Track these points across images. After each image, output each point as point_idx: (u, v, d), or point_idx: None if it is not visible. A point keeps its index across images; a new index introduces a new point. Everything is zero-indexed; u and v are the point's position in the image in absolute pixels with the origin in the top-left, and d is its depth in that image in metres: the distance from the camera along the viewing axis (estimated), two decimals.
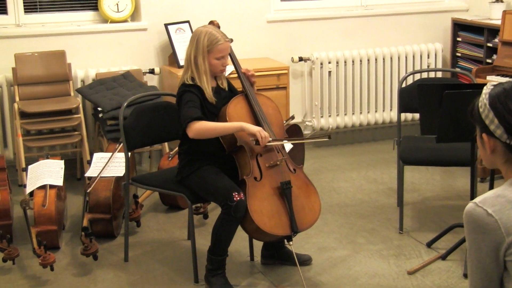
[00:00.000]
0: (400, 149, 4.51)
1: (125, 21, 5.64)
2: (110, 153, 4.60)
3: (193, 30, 4.15)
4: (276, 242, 3.96)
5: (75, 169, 5.49)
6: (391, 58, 6.25)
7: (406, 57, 6.29)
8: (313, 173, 5.50)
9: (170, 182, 3.91)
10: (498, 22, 5.75)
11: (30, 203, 4.26)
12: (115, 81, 5.31)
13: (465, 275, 3.85)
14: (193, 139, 3.71)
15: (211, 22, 4.00)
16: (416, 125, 5.96)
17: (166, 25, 5.58)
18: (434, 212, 4.80)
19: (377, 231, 4.50)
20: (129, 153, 4.08)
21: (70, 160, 5.37)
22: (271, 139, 3.71)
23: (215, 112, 3.77)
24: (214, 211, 4.64)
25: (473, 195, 4.11)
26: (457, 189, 5.21)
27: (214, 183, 3.68)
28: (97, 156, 4.63)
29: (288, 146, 4.14)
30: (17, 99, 5.19)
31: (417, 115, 5.84)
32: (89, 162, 4.66)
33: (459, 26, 6.26)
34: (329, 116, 6.18)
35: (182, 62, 5.31)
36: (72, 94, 5.35)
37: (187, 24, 5.66)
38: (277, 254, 4.04)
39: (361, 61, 6.17)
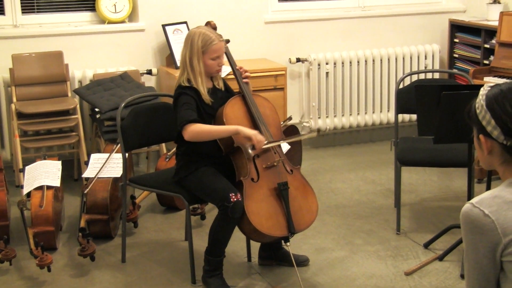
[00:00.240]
0: (398, 150, 4.51)
1: (122, 22, 5.64)
2: (108, 154, 4.60)
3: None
4: (273, 243, 3.96)
5: (72, 170, 5.49)
6: (388, 59, 6.25)
7: (403, 58, 6.29)
8: (310, 174, 5.50)
9: (167, 183, 3.91)
10: (495, 23, 5.75)
11: (27, 204, 4.25)
12: (113, 82, 5.31)
13: (462, 276, 3.85)
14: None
15: (208, 23, 4.00)
16: (414, 126, 5.96)
17: (163, 26, 5.58)
18: (432, 213, 4.80)
19: (374, 232, 4.50)
20: (127, 154, 4.08)
21: (67, 160, 5.37)
22: (266, 142, 3.70)
23: (211, 113, 3.77)
24: (212, 212, 4.64)
25: (470, 196, 4.11)
26: (454, 190, 5.21)
27: (212, 184, 3.68)
28: (94, 157, 4.63)
29: (285, 147, 4.14)
30: (14, 99, 5.19)
31: (414, 116, 5.86)
32: (87, 163, 4.66)
33: (456, 27, 6.27)
34: (327, 117, 6.18)
35: (179, 63, 5.31)
36: (69, 94, 5.34)
37: (185, 25, 5.66)
38: (274, 255, 4.04)
39: (358, 62, 6.17)
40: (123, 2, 5.59)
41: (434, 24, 6.47)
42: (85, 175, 4.56)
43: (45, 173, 4.36)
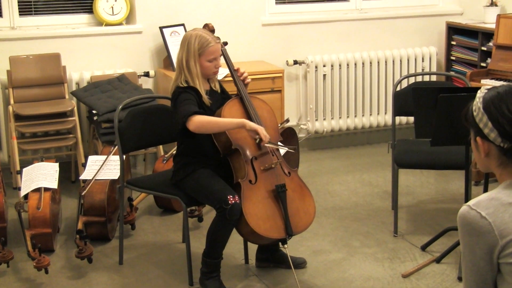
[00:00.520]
0: (395, 152, 4.51)
1: (120, 24, 5.64)
2: (105, 156, 4.60)
3: None
4: (271, 245, 3.97)
5: (69, 172, 5.48)
6: (385, 62, 6.26)
7: (400, 61, 6.30)
8: (308, 176, 5.50)
9: (165, 185, 3.91)
10: (493, 26, 5.76)
11: (25, 206, 4.25)
12: (110, 84, 5.31)
13: (460, 278, 3.85)
14: (189, 141, 3.71)
15: (206, 25, 4.01)
16: (411, 128, 5.97)
17: (161, 28, 5.58)
18: (429, 215, 4.80)
19: (371, 234, 4.51)
20: (124, 156, 4.08)
21: (64, 162, 5.36)
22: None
23: (210, 115, 3.77)
24: (209, 214, 4.64)
25: (467, 198, 4.12)
26: (452, 192, 5.22)
27: (209, 186, 3.68)
28: (91, 159, 4.63)
29: (282, 149, 4.14)
30: (11, 101, 5.19)
31: (411, 119, 5.89)
32: (84, 165, 4.66)
33: (453, 30, 6.28)
34: (324, 119, 6.19)
35: (175, 65, 5.31)
36: (66, 96, 5.34)
37: (182, 27, 5.66)
38: (271, 257, 4.04)
39: (355, 64, 6.18)
40: (120, 4, 5.59)
41: (431, 27, 6.48)
42: (82, 177, 4.56)
43: (42, 175, 4.36)
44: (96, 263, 4.10)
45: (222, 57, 3.90)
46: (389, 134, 5.57)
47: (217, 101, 3.84)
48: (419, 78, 6.10)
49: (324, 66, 6.08)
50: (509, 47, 5.57)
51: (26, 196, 4.29)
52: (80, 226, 4.24)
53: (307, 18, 6.15)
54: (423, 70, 6.36)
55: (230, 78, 4.04)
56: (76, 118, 5.19)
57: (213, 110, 3.78)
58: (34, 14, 5.56)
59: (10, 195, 4.99)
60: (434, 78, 6.34)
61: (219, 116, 3.75)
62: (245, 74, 3.96)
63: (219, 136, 3.74)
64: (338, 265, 4.09)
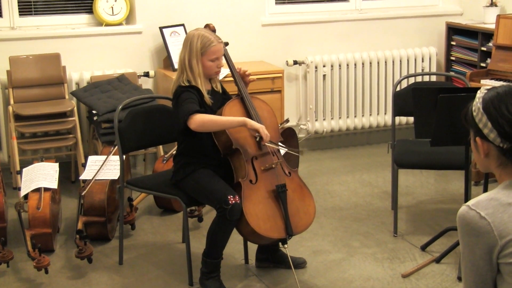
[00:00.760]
0: (395, 153, 4.52)
1: (120, 24, 5.64)
2: (105, 156, 4.60)
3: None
4: (271, 245, 3.97)
5: (69, 172, 5.49)
6: (385, 62, 6.26)
7: (400, 61, 6.30)
8: (308, 176, 5.51)
9: (164, 185, 3.91)
10: (492, 26, 5.76)
11: (25, 206, 4.25)
12: (110, 84, 5.31)
13: (459, 278, 3.86)
14: (189, 140, 3.71)
15: (207, 25, 4.01)
16: (411, 128, 5.97)
17: (161, 28, 5.58)
18: (429, 215, 4.81)
19: (371, 234, 4.51)
20: (124, 156, 4.08)
21: (64, 163, 5.37)
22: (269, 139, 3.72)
23: (211, 114, 3.77)
24: (209, 214, 4.64)
25: (467, 199, 4.12)
26: (451, 193, 5.22)
27: (209, 186, 3.68)
28: (91, 159, 4.63)
29: (282, 149, 4.14)
30: (11, 101, 5.19)
31: (411, 119, 5.89)
32: (84, 165, 4.66)
33: (453, 30, 6.28)
34: (324, 119, 6.19)
35: (177, 65, 5.31)
36: (66, 97, 5.34)
37: (182, 27, 5.66)
38: (271, 257, 4.04)
39: (355, 64, 6.18)
40: (120, 4, 5.59)
41: (431, 27, 6.48)
42: (82, 177, 4.56)
43: (42, 175, 4.36)
44: (96, 263, 4.10)
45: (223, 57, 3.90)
46: (389, 134, 5.57)
47: (218, 101, 3.84)
48: (419, 79, 6.10)
49: (324, 66, 6.09)
50: (509, 47, 5.58)
51: (26, 196, 4.29)
52: (80, 226, 4.25)
53: (307, 18, 6.15)
54: (423, 70, 6.36)
55: (231, 78, 4.04)
56: (76, 118, 5.19)
57: (214, 110, 3.78)
58: (34, 14, 5.56)
59: (10, 195, 4.99)
60: (434, 78, 6.34)
61: (220, 115, 3.75)
62: (247, 72, 3.96)
63: (220, 136, 3.75)
64: (338, 265, 4.10)
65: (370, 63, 6.21)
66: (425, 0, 6.57)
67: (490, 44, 5.81)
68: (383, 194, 5.19)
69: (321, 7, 6.29)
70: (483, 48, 5.91)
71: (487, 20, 6.02)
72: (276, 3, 6.12)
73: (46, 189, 4.28)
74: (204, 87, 3.75)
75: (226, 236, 3.68)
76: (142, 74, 5.63)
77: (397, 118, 5.78)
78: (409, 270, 3.99)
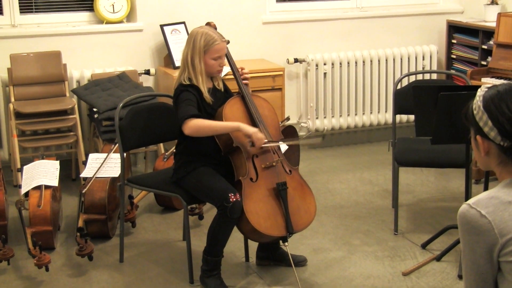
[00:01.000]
0: (395, 151, 4.52)
1: (120, 22, 5.64)
2: (106, 154, 4.60)
3: (189, 31, 4.15)
4: (271, 243, 3.97)
5: (70, 170, 5.49)
6: (386, 60, 6.26)
7: (401, 59, 6.30)
8: (308, 174, 5.51)
9: (165, 183, 3.91)
10: (493, 24, 5.76)
11: (25, 203, 4.25)
12: (111, 82, 5.31)
13: (460, 276, 3.86)
14: (190, 139, 3.71)
15: (208, 24, 4.01)
16: (411, 126, 5.98)
17: (161, 26, 5.58)
18: (429, 213, 4.81)
19: (372, 232, 4.51)
20: (125, 154, 4.08)
21: (65, 160, 5.37)
22: (266, 140, 3.71)
23: (211, 113, 3.78)
24: (210, 212, 4.64)
25: (467, 197, 4.12)
26: (452, 191, 5.22)
27: (210, 184, 3.68)
28: (92, 156, 4.63)
29: (283, 147, 4.15)
30: (12, 99, 5.19)
31: (412, 117, 5.88)
32: (84, 163, 4.66)
33: (454, 28, 6.28)
34: (324, 117, 6.19)
35: (177, 63, 5.32)
36: (67, 94, 5.35)
37: (183, 25, 5.66)
38: (272, 255, 4.04)
39: (356, 62, 6.18)
40: (121, 2, 5.59)
41: (432, 25, 6.48)
42: (83, 175, 4.56)
43: (43, 172, 4.36)
44: (96, 261, 4.11)
45: None
46: (389, 132, 5.56)
47: (220, 99, 3.84)
48: (419, 77, 6.10)
49: (324, 64, 6.08)
50: (509, 45, 5.57)
51: (26, 194, 4.29)
52: (80, 224, 4.25)
53: (308, 16, 6.15)
54: (423, 68, 6.36)
55: (232, 76, 4.04)
56: (76, 116, 5.20)
57: (214, 108, 3.79)
58: (35, 12, 5.56)
59: (11, 193, 5.00)
60: (434, 76, 6.35)
61: (221, 114, 3.76)
62: (245, 75, 3.96)
63: (220, 134, 3.75)
64: (338, 263, 4.10)
65: (371, 61, 6.21)
66: None
67: (491, 42, 5.81)
68: (384, 192, 5.19)
69: (322, 5, 6.28)
70: (484, 46, 5.91)
71: (487, 18, 6.02)
72: (277, 1, 6.12)
73: (46, 187, 4.29)
74: (205, 85, 3.75)
75: (226, 234, 3.68)
76: (143, 72, 5.63)
77: (398, 116, 5.79)
78: (409, 268, 3.99)
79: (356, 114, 6.28)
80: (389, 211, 4.78)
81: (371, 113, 6.32)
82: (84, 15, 5.67)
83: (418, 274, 3.94)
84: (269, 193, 3.73)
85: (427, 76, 6.27)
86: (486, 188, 4.39)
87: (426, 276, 3.92)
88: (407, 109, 4.62)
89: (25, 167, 4.43)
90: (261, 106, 3.92)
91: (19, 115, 5.08)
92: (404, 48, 6.32)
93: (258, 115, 3.84)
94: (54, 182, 4.34)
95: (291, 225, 3.70)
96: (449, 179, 5.43)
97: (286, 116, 4.99)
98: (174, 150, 4.03)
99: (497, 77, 5.52)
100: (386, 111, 6.33)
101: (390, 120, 6.23)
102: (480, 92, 1.97)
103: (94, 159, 4.59)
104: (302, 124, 6.19)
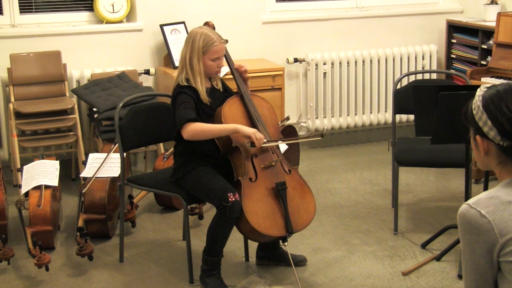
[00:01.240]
0: (395, 150, 4.52)
1: (120, 21, 5.64)
2: (105, 154, 4.60)
3: (188, 31, 4.15)
4: (271, 243, 3.97)
5: (70, 170, 5.49)
6: (386, 60, 6.26)
7: (401, 59, 6.30)
8: (308, 174, 5.51)
9: (165, 183, 3.91)
10: (493, 24, 5.76)
11: (25, 203, 4.26)
12: (110, 81, 5.31)
13: (460, 276, 3.86)
14: (188, 140, 3.71)
15: (206, 23, 4.01)
16: (411, 126, 5.98)
17: (161, 26, 5.58)
18: (429, 213, 4.81)
19: (371, 232, 4.51)
20: (124, 154, 4.08)
21: (65, 160, 5.37)
22: (265, 140, 3.71)
23: (210, 113, 3.78)
24: (209, 211, 4.64)
25: (467, 197, 4.12)
26: (452, 191, 5.22)
27: (210, 184, 3.68)
28: (92, 156, 4.63)
29: (283, 147, 4.15)
30: (12, 99, 5.19)
31: (412, 117, 5.88)
32: (84, 163, 4.66)
33: (454, 28, 6.28)
34: (324, 117, 6.19)
35: (177, 63, 5.32)
36: (67, 94, 5.35)
37: (182, 25, 5.66)
38: (272, 255, 4.04)
39: (356, 62, 6.18)
40: (121, 2, 5.59)
41: (432, 25, 6.48)
42: (83, 174, 4.56)
43: (43, 172, 4.37)
44: (96, 261, 4.11)
45: None
46: (389, 132, 5.57)
47: (218, 99, 3.84)
48: (419, 76, 6.10)
49: (324, 64, 6.09)
50: (509, 45, 5.57)
51: (26, 194, 4.29)
52: (80, 223, 4.25)
53: (308, 16, 6.15)
54: (423, 68, 6.36)
55: (230, 76, 4.04)
56: (76, 115, 5.20)
57: (213, 108, 3.79)
58: (35, 11, 5.57)
59: (11, 192, 5.00)
60: (434, 76, 6.35)
61: (219, 114, 3.76)
62: (244, 68, 3.96)
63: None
64: (338, 263, 4.10)
65: (371, 61, 6.22)
66: None
67: (491, 42, 5.81)
68: (384, 192, 5.19)
69: (322, 4, 6.28)
70: (484, 46, 5.91)
71: (487, 18, 6.02)
72: (276, 0, 6.12)
73: (46, 187, 4.29)
74: (203, 86, 3.75)
75: (226, 234, 3.68)
76: (143, 71, 5.63)
77: (398, 116, 5.78)
78: (409, 268, 3.99)
79: (356, 114, 6.28)
80: (389, 211, 4.78)
81: (371, 112, 6.32)
82: (84, 15, 5.67)
83: (418, 274, 3.94)
84: (268, 193, 3.73)
85: (427, 76, 6.27)
86: (486, 188, 4.39)
87: (426, 275, 3.92)
88: (407, 108, 4.62)
89: (25, 167, 4.43)
90: (260, 106, 3.92)
91: (19, 115, 5.08)
92: (404, 47, 6.32)
93: (257, 115, 3.84)
94: (54, 182, 4.34)
95: (291, 225, 3.70)
96: (449, 179, 5.43)
97: (286, 116, 4.99)
98: (174, 150, 4.03)
99: (497, 77, 5.52)
100: (386, 111, 6.33)
101: (390, 119, 6.24)
102: (479, 92, 1.97)
103: (94, 159, 4.59)
104: (302, 124, 6.19)
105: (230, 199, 3.56)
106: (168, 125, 4.04)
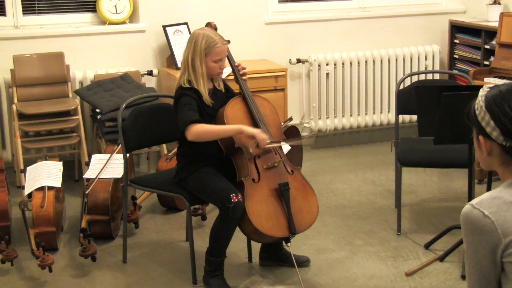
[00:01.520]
0: (398, 151, 4.52)
1: (123, 22, 5.65)
2: (108, 155, 4.61)
3: (191, 32, 4.15)
4: (274, 243, 3.97)
5: (73, 171, 5.50)
6: (388, 60, 6.26)
7: (403, 59, 6.30)
8: (311, 174, 5.51)
9: (168, 184, 3.92)
10: (496, 24, 5.76)
11: (29, 204, 4.26)
12: (113, 82, 5.32)
13: (463, 277, 3.86)
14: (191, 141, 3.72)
15: (208, 24, 4.01)
16: (414, 127, 5.96)
17: (164, 27, 5.59)
18: (432, 213, 4.81)
19: (374, 232, 4.51)
20: (127, 155, 4.09)
21: (68, 161, 5.37)
22: (269, 141, 3.71)
23: (212, 114, 3.78)
24: (212, 212, 4.64)
25: (470, 197, 4.11)
26: (455, 191, 5.22)
27: (212, 185, 3.68)
28: (95, 157, 4.63)
29: (286, 147, 4.15)
30: (15, 100, 5.20)
31: (414, 117, 5.87)
32: (87, 164, 4.67)
33: (456, 28, 6.27)
34: (327, 118, 6.19)
35: (180, 64, 5.32)
36: (70, 95, 5.35)
37: (185, 25, 5.67)
38: (275, 255, 4.04)
39: (359, 63, 6.18)
40: (123, 3, 5.60)
41: (434, 25, 6.48)
42: (86, 175, 4.56)
43: (46, 173, 4.37)
44: (99, 262, 4.11)
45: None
46: (392, 132, 5.57)
47: (221, 100, 3.84)
48: (422, 77, 6.09)
49: (327, 64, 6.08)
50: None
51: (30, 195, 4.30)
52: (83, 224, 4.25)
53: (310, 16, 6.15)
54: (426, 68, 6.35)
55: (232, 77, 4.05)
56: (79, 116, 5.20)
57: (215, 109, 3.79)
58: (38, 13, 5.57)
59: (14, 194, 5.01)
60: (437, 76, 6.35)
61: (222, 115, 3.76)
62: (244, 70, 3.96)
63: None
64: (341, 263, 4.10)
65: (373, 61, 6.21)
66: None
67: (494, 42, 5.80)
68: (387, 192, 5.19)
69: (324, 5, 6.28)
70: (487, 46, 5.90)
71: (490, 18, 6.01)
72: (279, 1, 6.12)
73: (50, 188, 4.29)
74: (206, 87, 3.75)
75: (229, 235, 3.68)
76: (146, 72, 5.64)
77: (400, 116, 5.79)
78: (412, 268, 3.99)
79: (358, 114, 6.28)
80: (392, 211, 4.78)
81: (373, 113, 6.32)
82: (87, 16, 5.67)
83: (421, 275, 3.94)
84: (271, 194, 3.73)
85: (429, 76, 6.27)
86: (489, 188, 4.39)
87: (429, 276, 3.92)
88: (409, 109, 4.62)
89: (28, 168, 4.44)
90: (262, 106, 3.92)
91: (22, 116, 5.09)
92: (406, 48, 6.31)
93: (259, 115, 3.84)
94: (57, 183, 4.34)
95: (294, 226, 3.70)
96: (452, 179, 5.43)
97: (288, 117, 4.99)
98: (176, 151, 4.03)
99: (500, 77, 5.52)
100: (388, 111, 6.33)
101: (392, 120, 6.25)
102: (482, 92, 1.97)
103: (97, 160, 4.60)
104: (305, 125, 6.19)
105: (232, 200, 3.56)
106: (171, 126, 4.04)
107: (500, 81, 5.40)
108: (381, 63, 6.24)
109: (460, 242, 4.08)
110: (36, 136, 5.29)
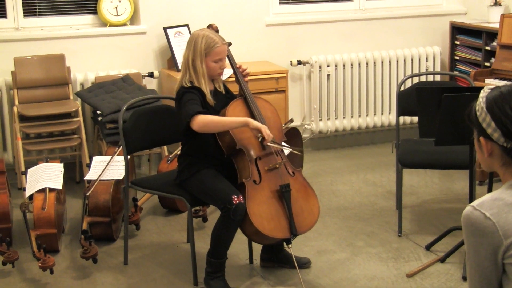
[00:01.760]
0: (399, 152, 4.52)
1: (124, 24, 5.65)
2: (109, 157, 4.61)
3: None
4: (275, 245, 3.97)
5: (74, 173, 5.50)
6: (389, 62, 6.26)
7: (404, 61, 6.30)
8: (312, 176, 5.51)
9: (169, 185, 3.92)
10: (496, 26, 5.76)
11: (30, 206, 4.26)
12: (114, 84, 5.32)
13: (464, 278, 3.86)
14: (194, 140, 3.72)
15: (210, 26, 4.01)
16: (415, 128, 5.97)
17: (165, 29, 5.59)
18: (433, 215, 4.81)
19: (376, 234, 4.51)
20: (128, 156, 4.09)
21: (69, 163, 5.38)
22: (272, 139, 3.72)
23: (214, 115, 3.78)
24: (213, 214, 4.65)
25: (471, 198, 4.11)
26: (456, 192, 5.22)
27: (213, 186, 3.68)
28: (96, 159, 4.64)
29: (286, 150, 4.15)
30: (16, 102, 5.20)
31: (415, 118, 5.88)
32: (88, 166, 4.67)
33: (457, 30, 6.27)
34: (328, 119, 6.19)
35: (181, 66, 5.32)
36: (71, 97, 5.36)
37: (186, 27, 5.67)
38: (276, 257, 4.05)
39: (359, 64, 6.18)
40: (124, 5, 5.60)
41: (435, 27, 6.48)
42: (87, 177, 4.56)
43: (47, 175, 4.37)
44: (101, 263, 4.11)
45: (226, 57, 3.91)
46: (393, 134, 5.57)
47: (221, 101, 3.85)
48: (423, 78, 6.09)
49: (328, 66, 6.09)
50: None
51: (31, 197, 4.30)
52: (84, 226, 4.26)
53: (311, 18, 6.15)
54: (427, 70, 6.35)
55: (233, 79, 4.05)
56: (80, 118, 5.20)
57: (217, 110, 3.79)
58: (39, 15, 5.58)
59: (15, 195, 5.01)
60: (438, 78, 6.34)
61: (223, 116, 3.76)
62: (247, 71, 3.97)
63: (223, 137, 3.75)
64: (342, 265, 4.10)
65: (374, 62, 6.21)
66: (429, 0, 6.57)
67: (494, 43, 5.81)
68: (388, 193, 5.19)
69: (325, 7, 6.29)
70: (487, 48, 5.91)
71: (491, 19, 6.01)
72: (280, 3, 6.12)
73: (51, 190, 4.29)
74: (207, 88, 3.76)
75: (230, 236, 3.68)
76: (147, 74, 5.64)
77: (401, 118, 5.79)
78: (413, 269, 3.99)
79: (359, 116, 6.28)
80: (393, 213, 4.78)
81: (374, 114, 6.32)
82: (88, 18, 5.68)
83: (422, 276, 3.94)
84: (272, 195, 3.73)
85: (430, 78, 6.26)
86: (490, 190, 4.39)
87: (430, 277, 3.92)
88: (410, 110, 4.62)
89: (29, 170, 4.44)
90: (263, 108, 3.92)
91: (23, 118, 5.09)
92: (407, 49, 6.32)
93: (260, 117, 3.84)
94: (58, 185, 4.35)
95: (295, 227, 3.71)
96: (453, 181, 5.43)
97: (289, 118, 4.99)
98: (179, 152, 4.03)
99: (501, 78, 5.52)
100: (389, 113, 6.33)
101: (393, 121, 6.25)
102: (483, 93, 1.97)
103: (98, 161, 4.60)
104: (306, 126, 6.19)
105: (234, 202, 3.56)
106: (172, 127, 4.05)
107: (501, 82, 5.40)
108: (382, 64, 6.24)
109: (461, 243, 4.08)
110: (37, 138, 5.29)
